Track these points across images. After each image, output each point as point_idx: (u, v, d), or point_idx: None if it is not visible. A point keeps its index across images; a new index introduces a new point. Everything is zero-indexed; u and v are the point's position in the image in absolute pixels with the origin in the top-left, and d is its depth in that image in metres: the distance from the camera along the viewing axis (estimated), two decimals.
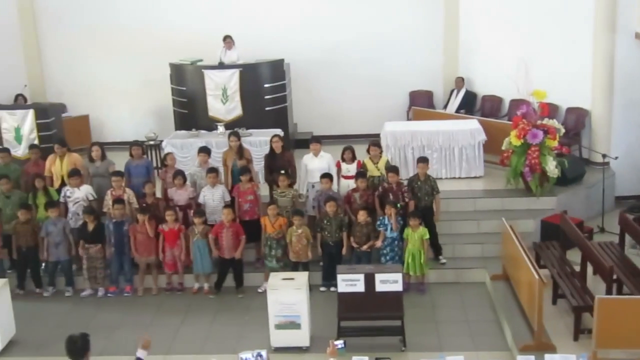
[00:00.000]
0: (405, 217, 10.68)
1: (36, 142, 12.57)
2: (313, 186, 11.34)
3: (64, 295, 11.24)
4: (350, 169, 11.29)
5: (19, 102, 15.23)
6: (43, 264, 11.30)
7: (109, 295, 11.15)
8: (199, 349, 9.42)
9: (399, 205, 10.66)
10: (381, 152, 11.60)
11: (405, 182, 11.20)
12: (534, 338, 8.85)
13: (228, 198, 11.18)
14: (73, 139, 13.70)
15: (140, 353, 6.74)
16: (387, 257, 10.61)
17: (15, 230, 11.05)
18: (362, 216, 10.55)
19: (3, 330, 9.66)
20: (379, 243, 10.63)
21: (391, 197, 10.74)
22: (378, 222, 10.65)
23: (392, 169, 11.06)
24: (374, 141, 11.78)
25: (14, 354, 9.61)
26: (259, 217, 10.98)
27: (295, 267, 10.72)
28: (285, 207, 10.98)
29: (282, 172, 11.08)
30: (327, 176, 10.99)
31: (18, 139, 12.82)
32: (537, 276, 8.71)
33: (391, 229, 10.52)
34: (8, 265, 11.50)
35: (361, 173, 11.05)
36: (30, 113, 12.87)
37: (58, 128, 13.16)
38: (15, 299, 10.39)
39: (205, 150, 11.77)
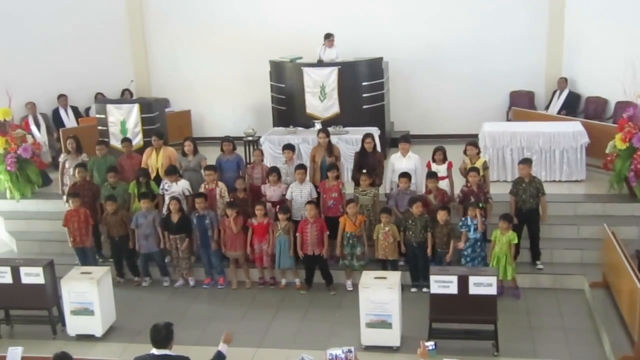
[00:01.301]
0: (485, 219, 10.56)
1: (140, 135, 12.92)
2: (398, 185, 11.24)
3: (162, 285, 11.54)
4: (441, 169, 11.14)
5: (125, 97, 15.77)
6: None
7: (204, 286, 11.39)
8: (289, 344, 9.48)
9: (481, 205, 10.48)
10: (479, 152, 11.38)
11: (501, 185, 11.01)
12: (634, 349, 8.51)
13: (315, 195, 11.22)
14: (175, 133, 14.05)
15: (222, 347, 6.86)
16: (468, 259, 10.41)
17: (106, 220, 11.40)
18: (442, 216, 10.41)
19: (105, 316, 9.98)
20: (461, 244, 10.44)
21: (472, 199, 10.57)
22: (460, 223, 10.47)
23: (473, 169, 10.84)
24: (471, 141, 11.54)
25: (114, 339, 9.92)
26: (341, 215, 10.96)
27: (384, 265, 10.69)
28: (366, 205, 10.97)
29: (364, 171, 11.05)
30: (406, 175, 10.91)
31: (123, 131, 13.18)
32: (639, 285, 8.37)
33: (474, 229, 10.33)
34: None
35: (431, 174, 10.91)
36: (136, 107, 13.20)
37: (161, 122, 13.47)
38: (116, 287, 10.77)
39: (290, 147, 11.84)
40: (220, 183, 11.48)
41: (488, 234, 10.49)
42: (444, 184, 11.08)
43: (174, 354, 6.56)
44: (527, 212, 10.64)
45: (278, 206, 11.11)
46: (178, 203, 11.12)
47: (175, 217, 11.12)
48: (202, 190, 11.35)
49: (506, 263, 10.18)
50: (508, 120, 15.12)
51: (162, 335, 6.52)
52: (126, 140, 12.54)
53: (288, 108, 14.69)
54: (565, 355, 8.87)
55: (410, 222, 10.56)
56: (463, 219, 10.48)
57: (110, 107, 13.37)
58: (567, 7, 15.22)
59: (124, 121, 13.20)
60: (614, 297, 9.84)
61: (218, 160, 12.00)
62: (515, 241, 10.23)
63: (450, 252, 10.45)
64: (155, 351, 6.51)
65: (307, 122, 14.12)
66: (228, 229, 11.03)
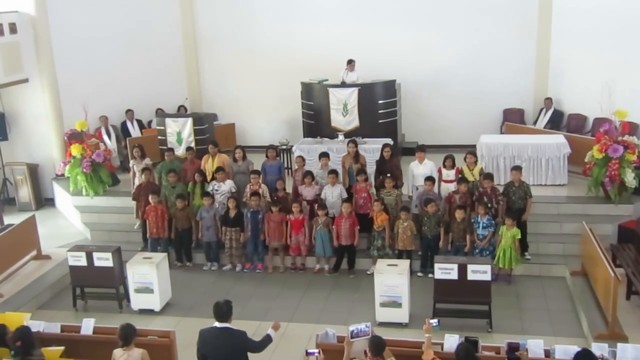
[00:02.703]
0: (495, 218, 10.47)
1: (193, 144, 12.99)
2: (417, 188, 11.22)
3: (210, 269, 11.57)
4: (450, 174, 11.09)
5: (180, 112, 15.78)
6: (194, 243, 11.62)
7: (245, 270, 11.42)
8: (315, 319, 9.49)
9: (489, 205, 10.41)
10: (476, 160, 11.30)
11: (500, 188, 10.91)
12: (608, 328, 8.44)
13: (345, 195, 11.21)
14: (221, 142, 13.98)
15: (271, 332, 6.83)
16: (477, 250, 10.35)
17: (173, 215, 11.47)
18: (459, 214, 10.34)
19: (162, 294, 10.08)
20: (471, 242, 10.37)
21: (485, 199, 10.49)
22: (473, 220, 10.41)
23: (487, 176, 10.79)
24: (470, 151, 11.49)
25: (170, 313, 10.02)
26: (371, 212, 10.93)
27: (400, 254, 10.64)
28: (390, 204, 10.91)
29: (388, 175, 11.02)
30: (430, 179, 10.88)
31: (179, 141, 13.28)
32: (613, 274, 8.29)
33: (483, 226, 10.25)
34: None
35: (463, 179, 10.84)
36: (189, 121, 13.28)
37: (210, 133, 13.53)
38: (173, 269, 10.84)
39: (325, 155, 11.85)
40: (262, 185, 11.52)
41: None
42: (452, 187, 11.01)
43: (234, 327, 6.56)
44: (517, 211, 10.53)
45: (317, 204, 11.12)
46: (235, 201, 11.18)
47: (232, 213, 11.17)
48: (247, 190, 11.37)
49: (511, 255, 10.11)
50: (502, 133, 14.98)
51: (223, 311, 6.51)
52: (190, 149, 12.62)
53: (316, 122, 14.68)
54: (549, 332, 8.78)
55: (426, 218, 10.53)
56: (475, 217, 10.42)
57: (168, 120, 13.46)
58: (552, 37, 15.04)
59: (179, 132, 13.30)
60: (591, 284, 9.75)
61: (263, 164, 12.05)
62: (519, 236, 10.14)
63: (468, 245, 10.36)
64: (217, 324, 6.51)
65: (331, 133, 14.12)
66: (272, 222, 11.06)
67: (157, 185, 11.95)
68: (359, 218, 10.91)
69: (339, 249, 10.97)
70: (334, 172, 11.31)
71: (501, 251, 10.15)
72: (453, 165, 11.16)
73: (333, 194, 11.19)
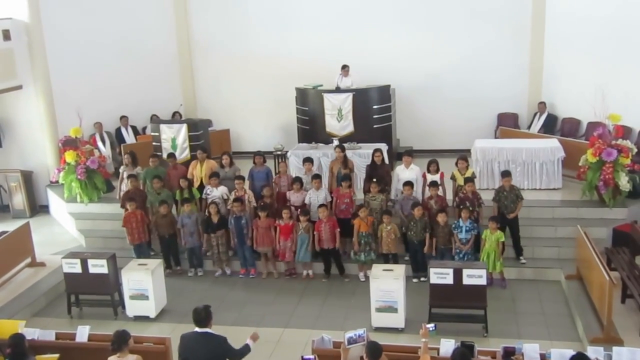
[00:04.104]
0: (478, 222, 10.45)
1: (187, 150, 12.96)
2: (402, 192, 11.19)
3: (197, 275, 11.52)
4: (435, 178, 11.09)
5: (175, 118, 15.75)
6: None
7: (240, 276, 11.39)
8: (311, 325, 9.46)
9: (471, 209, 10.40)
10: (467, 165, 11.29)
11: (491, 192, 10.92)
12: (603, 332, 8.44)
13: (330, 199, 11.21)
14: (216, 148, 14.07)
15: (249, 341, 6.84)
16: (460, 255, 10.30)
17: (156, 222, 11.42)
18: (442, 218, 10.34)
19: (158, 300, 10.05)
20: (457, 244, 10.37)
21: (467, 203, 10.50)
22: (453, 225, 10.36)
23: (468, 180, 10.79)
24: (462, 155, 11.46)
25: (165, 320, 9.97)
26: (351, 217, 10.90)
27: (385, 258, 10.63)
28: (375, 209, 10.90)
29: (374, 180, 11.03)
30: (409, 184, 10.88)
31: (174, 147, 13.24)
32: (608, 277, 8.30)
33: (466, 230, 10.23)
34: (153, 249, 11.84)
35: (434, 182, 10.85)
36: (184, 127, 13.26)
37: (205, 139, 13.51)
38: (167, 276, 10.80)
39: (309, 160, 11.87)
40: (248, 190, 11.50)
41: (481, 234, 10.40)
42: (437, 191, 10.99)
43: (214, 332, 6.57)
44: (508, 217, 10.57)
45: (300, 209, 11.11)
46: (216, 206, 11.16)
47: (215, 219, 11.14)
48: (232, 196, 11.36)
49: (495, 258, 10.10)
50: (496, 137, 15.00)
51: (202, 316, 6.56)
52: (171, 155, 12.57)
53: (311, 127, 14.69)
54: (545, 336, 8.78)
55: (412, 223, 10.52)
56: (456, 221, 10.41)
57: (163, 127, 13.44)
58: (545, 42, 15.10)
59: (174, 138, 13.27)
60: (586, 288, 9.75)
61: (250, 171, 12.02)
62: (503, 239, 10.15)
63: (454, 248, 10.35)
64: (198, 329, 6.54)
65: (326, 139, 14.11)
66: (260, 228, 11.03)
67: (144, 192, 11.90)
68: (340, 223, 10.89)
69: (322, 253, 10.96)
70: (317, 177, 11.33)
71: (485, 255, 10.14)
72: (437, 170, 11.16)
73: (318, 198, 11.16)
